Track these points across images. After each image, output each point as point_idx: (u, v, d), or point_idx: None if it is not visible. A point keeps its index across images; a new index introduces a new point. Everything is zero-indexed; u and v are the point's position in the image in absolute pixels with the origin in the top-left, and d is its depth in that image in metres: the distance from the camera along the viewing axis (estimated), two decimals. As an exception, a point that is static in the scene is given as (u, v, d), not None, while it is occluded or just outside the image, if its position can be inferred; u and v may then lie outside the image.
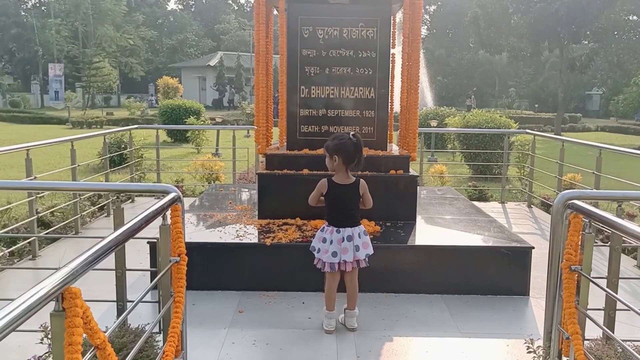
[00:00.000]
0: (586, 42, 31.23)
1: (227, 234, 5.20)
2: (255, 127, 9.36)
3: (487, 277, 4.96)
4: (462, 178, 11.78)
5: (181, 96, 29.58)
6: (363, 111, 5.89)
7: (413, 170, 5.92)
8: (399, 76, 5.95)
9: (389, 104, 6.05)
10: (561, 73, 29.73)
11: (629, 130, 30.54)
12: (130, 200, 8.87)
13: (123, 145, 12.13)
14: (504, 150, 9.53)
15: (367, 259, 4.15)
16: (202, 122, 17.81)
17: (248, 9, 77.22)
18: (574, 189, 8.65)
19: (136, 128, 9.56)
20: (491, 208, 8.47)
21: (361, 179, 4.18)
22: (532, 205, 9.04)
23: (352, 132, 4.09)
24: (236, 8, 76.18)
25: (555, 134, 21.95)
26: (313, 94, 5.87)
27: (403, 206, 5.68)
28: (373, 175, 5.56)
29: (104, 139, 8.14)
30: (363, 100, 5.87)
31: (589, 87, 50.17)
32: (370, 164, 5.64)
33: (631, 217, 7.24)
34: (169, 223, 3.10)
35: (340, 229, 4.09)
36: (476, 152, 11.99)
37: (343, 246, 4.06)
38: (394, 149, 6.11)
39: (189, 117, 17.64)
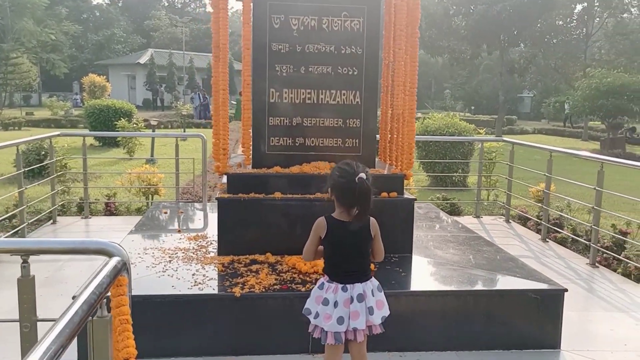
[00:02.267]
0: (523, 47, 31.51)
1: (181, 281, 3.99)
2: (200, 136, 8.15)
3: (511, 327, 4.00)
4: (425, 189, 10.93)
5: (109, 95, 27.50)
6: (347, 120, 4.81)
7: (408, 193, 4.91)
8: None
9: (378, 111, 5.00)
10: (501, 76, 29.81)
11: (564, 132, 31.05)
12: (51, 221, 7.42)
13: (43, 153, 10.55)
14: (480, 159, 8.72)
15: (382, 323, 3.08)
16: (134, 125, 16.19)
17: (179, 5, 74.61)
18: (546, 199, 7.93)
19: (58, 135, 8.08)
20: (468, 224, 7.59)
21: (371, 217, 3.10)
22: (510, 220, 8.26)
23: (362, 172, 2.93)
24: (167, 4, 73.27)
25: (496, 136, 21.71)
26: (285, 98, 4.74)
27: (398, 237, 4.65)
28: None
29: (17, 149, 6.68)
30: (347, 106, 4.79)
31: (520, 89, 51.35)
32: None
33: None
34: (108, 316, 1.92)
35: (348, 286, 3.00)
36: (454, 161, 11.14)
37: (352, 309, 2.97)
38: (384, 166, 5.07)
39: (120, 119, 15.99)
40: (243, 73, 4.81)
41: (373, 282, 3.08)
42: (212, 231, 5.22)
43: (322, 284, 3.08)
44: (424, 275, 4.38)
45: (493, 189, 9.83)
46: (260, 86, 4.71)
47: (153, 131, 17.40)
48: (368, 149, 4.86)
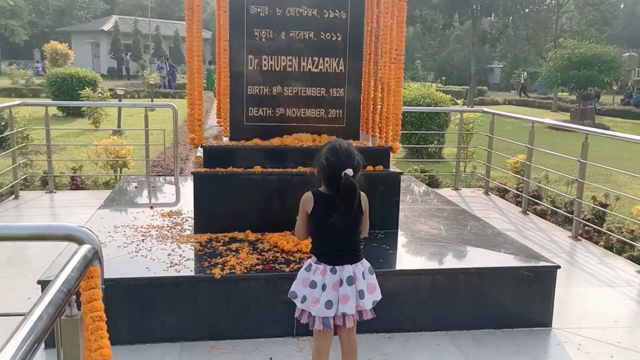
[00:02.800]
0: (495, 17, 31.36)
1: (156, 262, 3.73)
2: (171, 106, 7.75)
3: (502, 306, 3.87)
4: (401, 161, 10.76)
5: (72, 64, 26.45)
6: (330, 89, 4.54)
7: (393, 166, 4.70)
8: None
9: (362, 79, 4.75)
10: (473, 46, 29.68)
11: (534, 103, 31.23)
12: (13, 196, 7.02)
13: (3, 123, 10.01)
14: (459, 131, 8.56)
15: (373, 308, 2.88)
16: (99, 94, 15.56)
17: (144, -29, 72.07)
18: (527, 171, 7.85)
19: (19, 105, 7.61)
20: (447, 197, 7.47)
21: (361, 192, 2.87)
22: (489, 192, 8.16)
23: (350, 166, 2.67)
24: (131, -31, 70.75)
25: (468, 106, 21.67)
26: (264, 65, 4.44)
27: (384, 212, 4.45)
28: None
29: (-26, 120, 6.22)
30: (330, 75, 4.52)
31: (490, 60, 51.43)
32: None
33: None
34: (78, 314, 1.67)
35: (337, 267, 2.79)
36: (437, 132, 10.95)
37: (342, 292, 2.77)
38: (368, 138, 4.84)
39: (84, 89, 15.34)
40: (218, 38, 4.50)
41: (364, 264, 2.87)
42: (187, 207, 4.96)
43: (310, 265, 2.86)
44: (412, 253, 4.20)
45: (470, 161, 9.72)
46: (238, 52, 4.40)
47: (120, 101, 16.79)
48: (352, 120, 4.62)
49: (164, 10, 58.19)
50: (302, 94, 4.52)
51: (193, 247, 4.00)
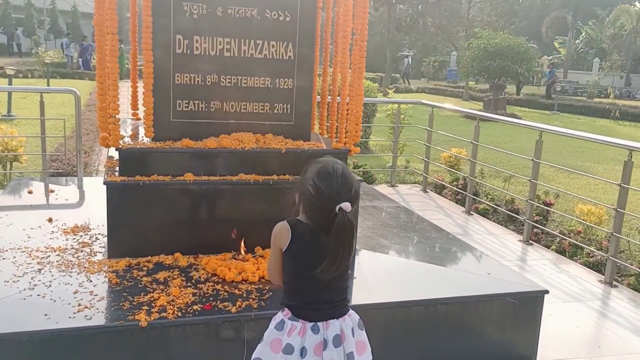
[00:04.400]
0: (408, 5, 31.46)
1: (58, 304, 2.83)
2: (72, 91, 6.61)
3: (482, 338, 3.32)
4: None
5: (-47, 38, 23.61)
6: (276, 79, 3.77)
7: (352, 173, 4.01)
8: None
9: (315, 69, 4.01)
10: (388, 33, 29.59)
11: (446, 92, 31.70)
12: None
13: None
14: (396, 123, 8.03)
15: (364, 372, 2.20)
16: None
17: (37, -61, 66.57)
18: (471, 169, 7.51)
19: None
20: (388, 195, 6.93)
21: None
22: (427, 190, 7.71)
23: (347, 199, 1.95)
24: (22, -64, 65.04)
25: (383, 95, 21.49)
26: (197, 48, 3.59)
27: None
28: (292, 179, 3.57)
29: None
30: (276, 62, 3.75)
31: (400, 48, 52.06)
32: (288, 163, 3.64)
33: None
34: None
35: (320, 325, 2.08)
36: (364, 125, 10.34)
37: (327, 358, 2.06)
38: (321, 139, 4.11)
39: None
40: (134, 12, 3.59)
41: (353, 317, 2.18)
42: (96, 218, 4.04)
43: (282, 322, 2.12)
44: (377, 278, 3.55)
45: (403, 155, 9.25)
46: (163, 31, 3.52)
47: (10, 82, 14.95)
48: (302, 117, 3.87)
49: (61, -18, 53.94)
50: (243, 85, 3.72)
51: (107, 279, 3.13)
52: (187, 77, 3.60)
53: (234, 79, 3.69)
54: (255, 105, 3.76)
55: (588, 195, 7.72)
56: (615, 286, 4.73)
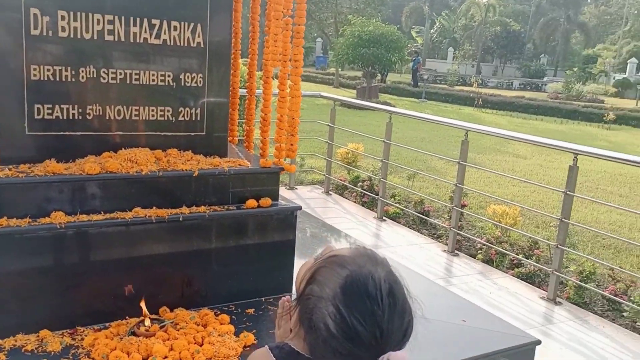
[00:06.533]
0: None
1: None
2: None
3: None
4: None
5: None
6: (180, 74, 2.74)
7: (284, 198, 3.09)
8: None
9: (235, 61, 3.03)
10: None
11: (316, 79, 31.40)
12: None
13: None
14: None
15: None
16: None
17: None
18: (383, 170, 6.94)
19: None
20: (288, 197, 6.09)
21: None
22: (330, 192, 6.98)
23: (399, 341, 1.04)
24: None
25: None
26: (63, 29, 2.46)
27: (275, 270, 2.86)
28: (209, 212, 2.62)
29: None
30: (180, 50, 2.72)
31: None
32: (202, 190, 2.66)
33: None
34: None
35: None
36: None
37: None
38: (243, 153, 3.14)
39: None
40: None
41: None
42: None
43: None
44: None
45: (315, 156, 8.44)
46: (10, 3, 2.35)
47: None
48: (216, 126, 2.88)
49: None
50: (134, 82, 2.65)
51: None
52: (48, 70, 2.46)
53: (121, 74, 2.61)
54: (152, 110, 2.71)
55: (494, 193, 7.45)
56: (559, 303, 4.31)
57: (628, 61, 39.80)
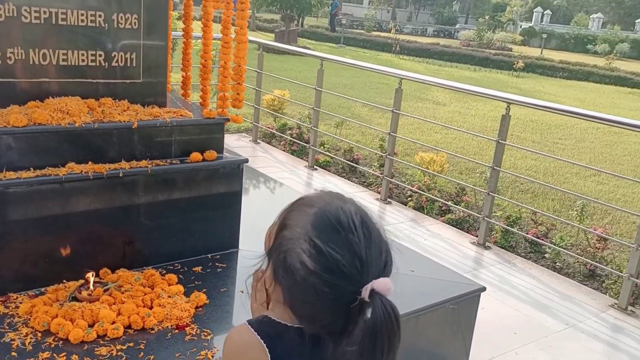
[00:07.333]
0: None
1: None
2: None
3: (422, 351, 2.67)
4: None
5: None
6: (112, 15, 2.47)
7: (230, 150, 2.94)
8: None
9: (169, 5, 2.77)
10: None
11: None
12: None
13: None
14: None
15: None
16: None
17: None
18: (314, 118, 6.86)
19: None
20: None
21: None
22: (258, 140, 6.82)
23: (382, 273, 0.98)
24: None
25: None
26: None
27: (220, 225, 2.74)
28: (152, 167, 2.45)
29: None
30: (111, -14, 2.45)
31: None
32: (142, 143, 2.48)
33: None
34: None
35: None
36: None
37: None
38: (187, 104, 2.92)
39: None
40: None
41: None
42: None
43: None
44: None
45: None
46: None
47: None
48: (155, 73, 2.65)
49: None
50: (60, 22, 2.36)
51: None
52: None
53: (45, 13, 2.31)
54: (82, 55, 2.44)
55: (419, 139, 7.56)
56: (489, 247, 4.49)
57: (534, 10, 41.36)
